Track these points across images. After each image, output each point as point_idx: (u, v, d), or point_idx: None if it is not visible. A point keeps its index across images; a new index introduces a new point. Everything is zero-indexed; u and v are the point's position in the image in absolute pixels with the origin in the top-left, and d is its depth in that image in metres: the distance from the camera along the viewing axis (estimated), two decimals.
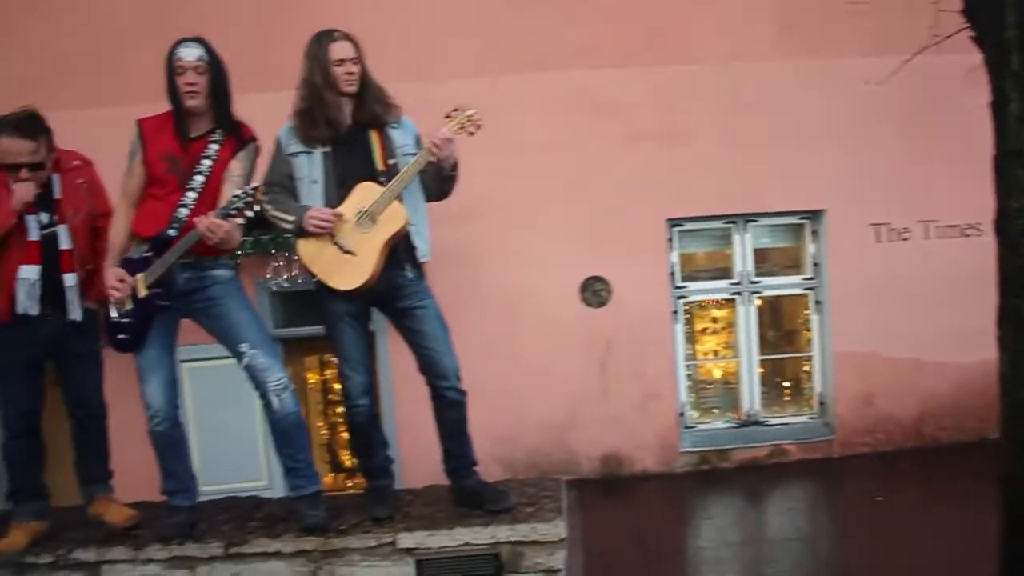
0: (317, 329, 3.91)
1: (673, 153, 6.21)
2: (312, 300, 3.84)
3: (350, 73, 3.55)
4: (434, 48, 6.14)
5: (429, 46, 6.12)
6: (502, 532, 3.63)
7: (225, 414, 5.80)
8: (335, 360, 7.74)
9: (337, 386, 7.71)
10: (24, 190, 3.56)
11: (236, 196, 3.36)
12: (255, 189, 3.37)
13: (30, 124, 3.60)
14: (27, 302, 3.64)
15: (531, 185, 6.16)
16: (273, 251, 5.54)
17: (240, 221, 3.40)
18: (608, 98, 6.20)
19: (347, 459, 7.54)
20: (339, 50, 3.54)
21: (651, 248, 6.34)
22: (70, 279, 3.69)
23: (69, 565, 3.80)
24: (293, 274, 5.42)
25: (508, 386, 6.00)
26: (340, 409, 7.70)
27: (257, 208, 3.39)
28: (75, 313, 3.70)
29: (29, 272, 3.64)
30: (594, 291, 6.32)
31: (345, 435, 7.58)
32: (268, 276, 5.72)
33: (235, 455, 5.89)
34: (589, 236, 6.26)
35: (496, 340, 6.03)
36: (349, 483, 7.38)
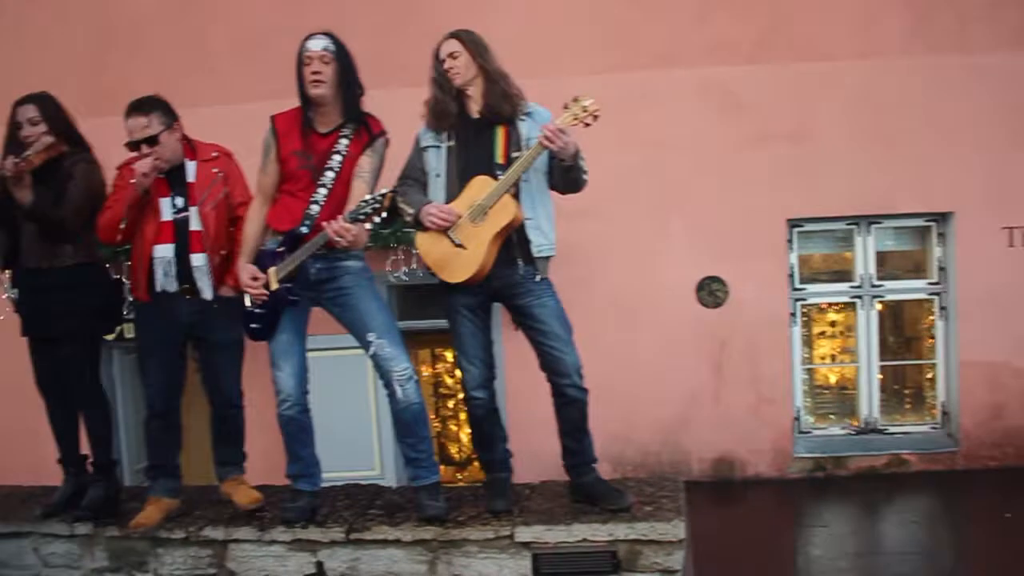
0: (430, 323, 3.94)
1: (798, 152, 6.09)
2: (427, 294, 3.87)
3: (450, 68, 3.59)
4: (559, 43, 6.15)
5: (554, 41, 6.15)
6: (620, 530, 3.59)
7: (340, 404, 5.91)
8: (447, 354, 7.88)
9: (449, 380, 7.84)
10: (143, 164, 3.72)
11: (365, 201, 3.40)
12: (384, 196, 3.41)
13: (143, 103, 3.81)
14: (164, 280, 3.81)
15: (651, 182, 6.13)
16: (393, 244, 5.62)
17: (368, 226, 3.46)
18: (734, 95, 6.12)
19: (456, 452, 7.64)
20: (443, 48, 3.61)
21: (770, 249, 6.23)
22: (197, 259, 3.82)
23: (199, 542, 3.93)
24: (413, 267, 5.49)
25: (620, 384, 5.95)
26: (451, 403, 7.83)
27: (384, 215, 3.45)
28: (206, 292, 3.83)
29: (164, 251, 3.81)
30: (710, 291, 6.24)
31: (455, 428, 7.68)
32: (387, 269, 5.81)
33: (349, 445, 5.99)
34: (708, 235, 6.19)
35: (609, 338, 6.00)
36: (459, 476, 7.48)
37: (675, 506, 3.79)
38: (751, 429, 6.26)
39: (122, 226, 3.80)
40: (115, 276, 4.49)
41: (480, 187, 3.53)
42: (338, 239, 3.44)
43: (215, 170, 3.91)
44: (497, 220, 3.49)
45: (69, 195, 3.90)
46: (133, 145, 3.77)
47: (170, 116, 3.84)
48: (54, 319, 3.98)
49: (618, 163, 5.60)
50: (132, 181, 3.74)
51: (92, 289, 4.07)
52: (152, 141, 3.76)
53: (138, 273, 3.88)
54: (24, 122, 3.92)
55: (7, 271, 4.32)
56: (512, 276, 3.59)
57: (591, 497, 3.75)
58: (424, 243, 3.64)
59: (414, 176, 3.67)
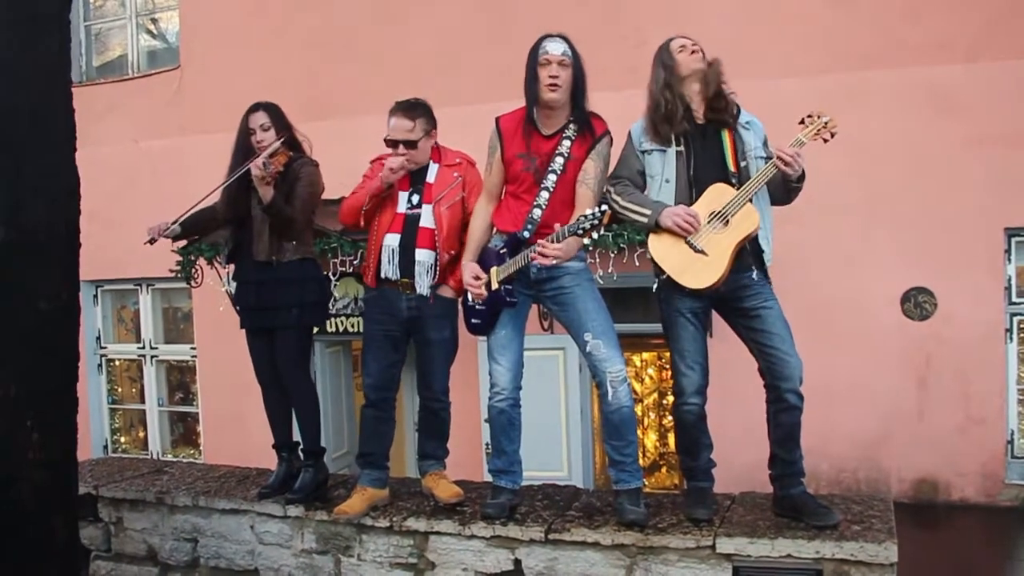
0: (618, 326, 3.90)
1: (1018, 156, 5.69)
2: (617, 296, 3.79)
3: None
4: (763, 45, 6.04)
5: (758, 43, 6.04)
6: (827, 548, 3.44)
7: (531, 405, 5.96)
8: (635, 358, 7.83)
9: (637, 385, 7.80)
10: (394, 161, 3.91)
11: (584, 216, 3.39)
12: (603, 212, 3.39)
13: (412, 107, 3.99)
14: (387, 266, 3.99)
15: (856, 188, 5.91)
16: (589, 247, 5.60)
17: (585, 241, 3.47)
18: (947, 97, 5.80)
19: (641, 457, 7.55)
20: (689, 63, 3.56)
21: (985, 259, 5.86)
22: (422, 254, 3.97)
23: (401, 531, 4.06)
24: (609, 271, 5.46)
25: (817, 395, 5.57)
26: (638, 409, 7.77)
27: (602, 231, 3.46)
28: (422, 287, 3.96)
29: (391, 240, 3.99)
30: (917, 302, 5.93)
31: (640, 433, 7.61)
32: None
33: (538, 445, 6.01)
34: (916, 243, 5.90)
35: (809, 347, 5.73)
36: (645, 481, 7.39)
37: (886, 527, 3.62)
38: (958, 450, 5.89)
39: (363, 210, 4.01)
40: (324, 273, 4.72)
41: (719, 195, 3.51)
42: (542, 260, 3.49)
43: (455, 174, 4.05)
44: (741, 229, 3.49)
45: (298, 195, 4.18)
46: (393, 142, 3.96)
47: (431, 124, 4.03)
48: (275, 310, 4.23)
49: (821, 167, 5.36)
50: (380, 174, 3.93)
51: (309, 283, 4.31)
52: (411, 145, 3.95)
53: (370, 259, 4.08)
54: (256, 128, 4.22)
55: (229, 266, 4.66)
56: (741, 280, 3.56)
57: (797, 511, 3.63)
58: (660, 246, 3.59)
59: (630, 178, 3.65)
